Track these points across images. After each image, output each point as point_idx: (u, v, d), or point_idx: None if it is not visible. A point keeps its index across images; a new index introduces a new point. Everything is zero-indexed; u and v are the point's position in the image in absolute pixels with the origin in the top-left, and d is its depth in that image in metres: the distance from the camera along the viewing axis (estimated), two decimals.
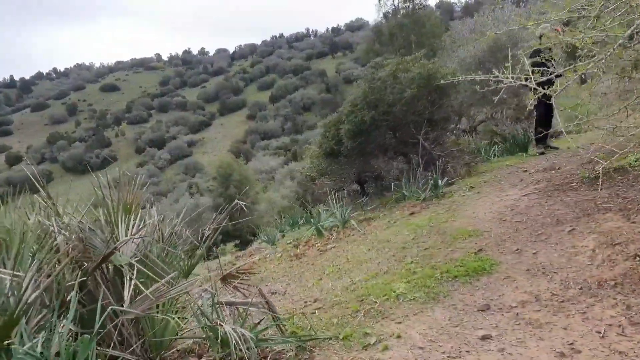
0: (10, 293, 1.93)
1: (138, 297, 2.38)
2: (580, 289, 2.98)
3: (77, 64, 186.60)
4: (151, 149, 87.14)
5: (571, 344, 2.45)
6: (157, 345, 2.89)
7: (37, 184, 3.24)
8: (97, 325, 1.99)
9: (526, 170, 7.10)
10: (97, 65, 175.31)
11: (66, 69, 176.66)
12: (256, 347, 2.79)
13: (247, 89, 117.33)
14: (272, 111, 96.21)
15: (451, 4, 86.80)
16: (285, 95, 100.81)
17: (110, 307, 2.18)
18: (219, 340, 2.70)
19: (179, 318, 3.06)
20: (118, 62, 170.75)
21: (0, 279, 1.96)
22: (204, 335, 2.94)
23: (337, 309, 3.79)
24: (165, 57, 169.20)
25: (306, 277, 5.53)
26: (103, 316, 2.00)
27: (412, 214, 6.56)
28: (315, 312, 3.85)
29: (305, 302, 4.32)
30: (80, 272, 2.41)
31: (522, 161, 8.20)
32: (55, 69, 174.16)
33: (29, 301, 1.95)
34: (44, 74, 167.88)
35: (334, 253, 6.08)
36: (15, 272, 2.01)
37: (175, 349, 3.09)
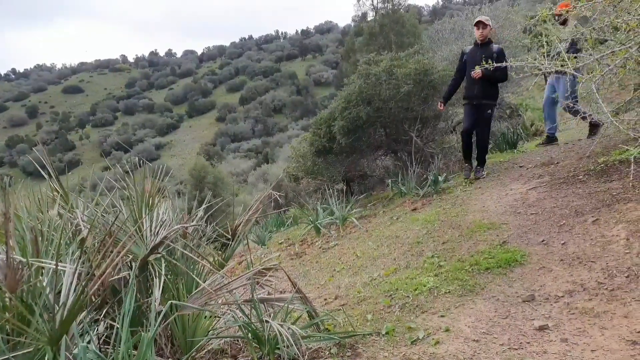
0: (68, 288, 1.70)
1: (194, 292, 2.17)
2: (627, 276, 2.92)
3: (38, 64, 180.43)
4: (117, 152, 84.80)
5: (639, 331, 2.37)
6: (188, 346, 2.68)
7: (46, 175, 3.00)
8: (155, 323, 1.77)
9: (523, 166, 7.13)
10: (59, 66, 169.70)
11: (26, 69, 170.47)
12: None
13: (216, 90, 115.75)
14: (242, 113, 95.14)
15: (419, 8, 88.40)
16: (255, 97, 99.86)
17: (169, 302, 1.96)
18: (264, 338, 2.50)
19: (211, 316, 2.85)
20: (81, 64, 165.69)
21: (60, 270, 1.73)
22: (241, 334, 2.74)
23: (365, 305, 3.64)
24: (131, 59, 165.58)
25: (313, 275, 5.36)
26: (163, 311, 1.79)
27: (414, 209, 6.47)
28: (340, 309, 3.69)
29: (325, 299, 4.15)
30: (122, 267, 2.18)
31: (514, 157, 8.25)
32: (14, 70, 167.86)
33: (87, 294, 1.72)
34: (2, 74, 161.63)
35: (338, 250, 5.92)
36: (66, 266, 1.79)
37: (206, 349, 2.87)
